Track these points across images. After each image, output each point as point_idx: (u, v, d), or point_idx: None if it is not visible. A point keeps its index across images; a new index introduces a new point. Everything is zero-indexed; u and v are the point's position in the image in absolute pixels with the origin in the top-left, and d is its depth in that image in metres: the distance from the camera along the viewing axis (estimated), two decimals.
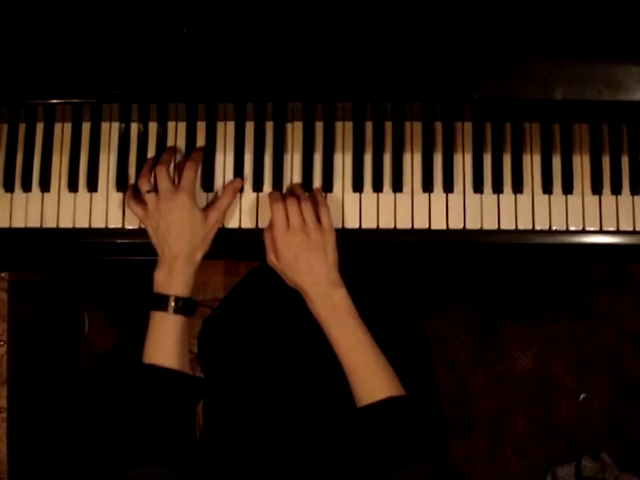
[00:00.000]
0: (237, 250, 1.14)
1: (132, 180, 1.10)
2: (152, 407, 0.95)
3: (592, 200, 1.09)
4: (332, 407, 1.07)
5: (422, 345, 1.22)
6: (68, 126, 1.11)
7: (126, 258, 1.13)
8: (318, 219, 1.02)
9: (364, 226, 1.09)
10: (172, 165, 1.08)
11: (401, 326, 1.20)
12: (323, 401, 1.08)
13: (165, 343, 0.98)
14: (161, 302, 0.98)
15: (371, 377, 0.96)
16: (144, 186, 1.03)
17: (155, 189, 1.03)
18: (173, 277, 0.99)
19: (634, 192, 1.08)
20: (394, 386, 0.95)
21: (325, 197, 1.08)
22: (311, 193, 1.08)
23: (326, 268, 0.99)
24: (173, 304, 0.98)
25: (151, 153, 1.11)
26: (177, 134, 1.11)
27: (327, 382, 1.07)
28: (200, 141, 1.10)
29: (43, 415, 1.72)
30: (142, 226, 1.06)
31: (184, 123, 1.11)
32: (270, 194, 1.07)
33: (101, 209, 1.10)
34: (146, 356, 0.98)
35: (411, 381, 0.99)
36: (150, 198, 1.02)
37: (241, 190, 1.09)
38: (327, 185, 1.09)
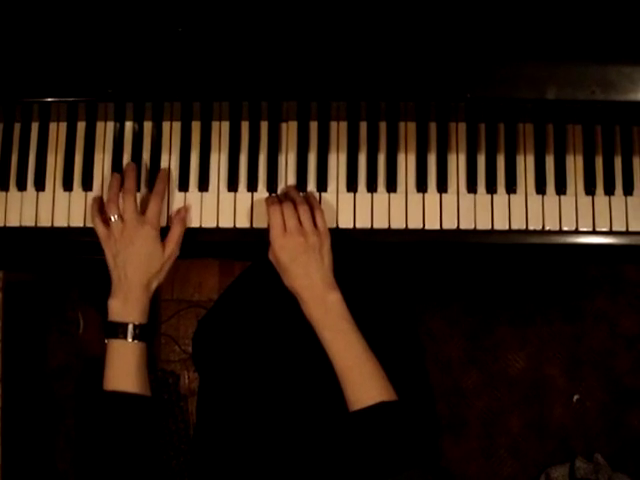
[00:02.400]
0: (232, 250, 1.14)
1: None
2: (117, 431, 0.95)
3: (585, 200, 1.09)
4: (324, 409, 1.07)
5: (415, 345, 1.22)
6: (63, 125, 1.11)
7: None
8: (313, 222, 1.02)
9: (358, 226, 1.09)
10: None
11: (394, 326, 1.20)
12: (316, 402, 1.08)
13: (125, 370, 0.98)
14: (119, 330, 0.98)
15: (363, 381, 0.96)
16: (112, 211, 1.02)
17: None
18: (129, 305, 0.99)
19: (627, 193, 1.09)
20: (385, 391, 0.95)
21: (319, 197, 1.09)
22: (305, 196, 1.08)
23: (322, 271, 0.99)
24: (132, 331, 0.98)
25: (146, 153, 1.11)
26: (172, 134, 1.11)
27: (320, 383, 1.07)
28: (195, 141, 1.10)
29: (37, 414, 1.71)
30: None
31: (179, 123, 1.11)
32: (267, 199, 1.07)
33: None
34: (107, 383, 0.98)
35: (404, 382, 0.99)
36: (116, 225, 1.02)
37: (236, 190, 1.10)
38: (321, 185, 1.09)
